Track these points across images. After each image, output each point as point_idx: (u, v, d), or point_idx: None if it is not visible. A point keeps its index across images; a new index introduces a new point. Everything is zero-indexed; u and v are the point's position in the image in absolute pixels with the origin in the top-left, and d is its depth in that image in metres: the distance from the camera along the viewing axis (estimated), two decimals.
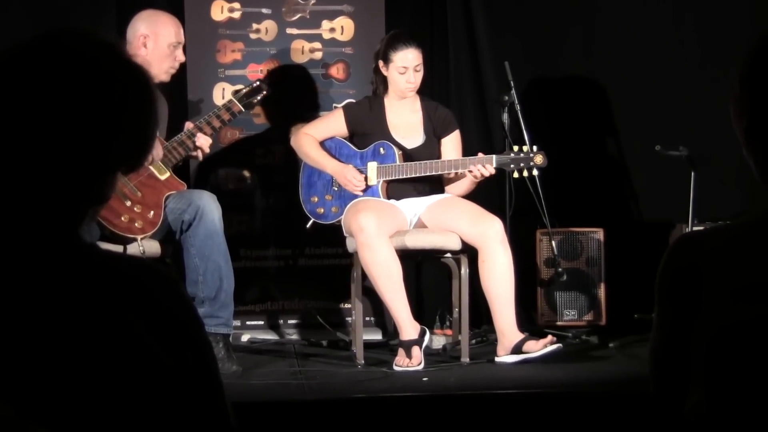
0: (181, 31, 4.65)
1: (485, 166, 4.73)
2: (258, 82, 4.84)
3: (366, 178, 4.88)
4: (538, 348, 4.52)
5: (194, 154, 4.67)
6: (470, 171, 4.73)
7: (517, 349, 4.57)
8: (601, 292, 5.33)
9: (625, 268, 5.34)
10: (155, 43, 4.55)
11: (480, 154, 4.78)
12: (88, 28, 1.44)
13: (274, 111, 5.42)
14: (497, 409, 3.87)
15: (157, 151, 4.48)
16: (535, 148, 4.79)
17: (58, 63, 1.39)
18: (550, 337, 4.56)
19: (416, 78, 4.86)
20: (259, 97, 4.81)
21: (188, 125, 4.69)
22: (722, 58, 5.38)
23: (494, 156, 4.79)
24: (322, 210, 4.99)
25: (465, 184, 4.86)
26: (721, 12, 5.59)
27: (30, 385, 1.31)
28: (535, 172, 4.80)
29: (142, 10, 4.70)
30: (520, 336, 4.60)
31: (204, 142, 4.63)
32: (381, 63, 4.89)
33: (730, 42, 5.40)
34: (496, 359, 4.64)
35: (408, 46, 4.83)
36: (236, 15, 5.45)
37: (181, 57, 4.62)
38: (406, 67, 4.83)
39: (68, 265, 1.39)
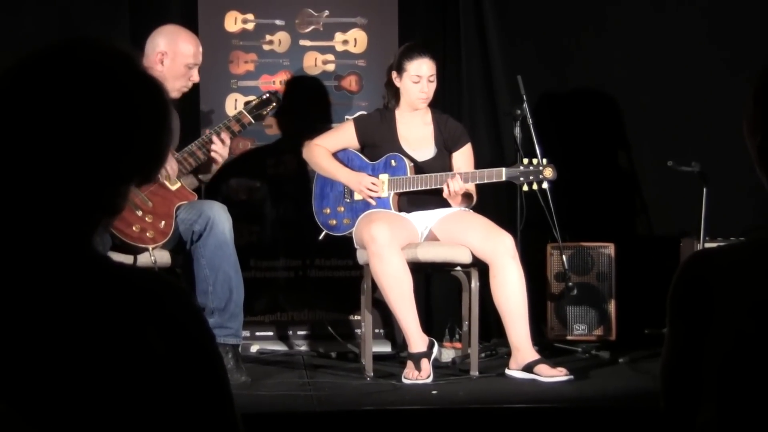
0: (200, 51, 4.63)
1: (453, 179, 4.71)
2: (268, 94, 4.85)
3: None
4: (549, 375, 4.50)
5: (215, 164, 4.67)
6: (447, 185, 4.72)
7: (528, 368, 4.56)
8: (612, 307, 5.32)
9: (636, 283, 5.33)
10: (172, 62, 4.55)
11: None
12: (103, 38, 1.44)
13: (286, 122, 5.43)
14: (506, 424, 3.86)
15: (172, 166, 4.49)
16: (544, 160, 4.79)
17: (72, 73, 1.39)
18: (564, 370, 4.52)
19: (429, 89, 4.87)
20: (269, 109, 4.82)
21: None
22: (736, 73, 5.37)
23: (504, 169, 4.79)
24: (335, 222, 4.99)
25: (458, 199, 4.83)
26: (736, 26, 5.59)
27: (40, 394, 1.31)
28: (545, 185, 4.79)
29: (155, 21, 4.70)
30: (535, 356, 4.58)
31: (219, 149, 4.62)
32: (394, 74, 4.89)
33: (745, 57, 5.39)
34: (506, 371, 4.64)
35: (423, 56, 4.84)
36: (250, 26, 5.46)
37: (195, 78, 4.62)
38: (420, 76, 4.83)
39: (80, 276, 1.39)
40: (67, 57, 1.41)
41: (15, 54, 1.43)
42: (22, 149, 1.38)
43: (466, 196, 4.86)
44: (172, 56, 4.55)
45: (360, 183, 4.88)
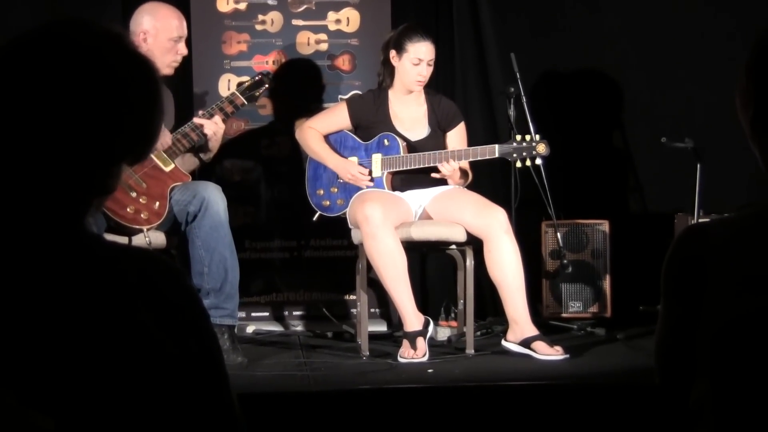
0: (183, 24, 4.62)
1: (448, 161, 4.72)
2: (260, 75, 4.84)
3: (370, 171, 4.88)
4: (545, 353, 4.50)
5: (209, 151, 4.67)
6: (440, 168, 4.73)
7: (525, 344, 4.56)
8: (606, 284, 5.33)
9: (631, 259, 5.34)
10: (155, 39, 4.53)
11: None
12: (92, 19, 1.43)
13: (279, 102, 5.42)
14: (502, 401, 3.87)
15: (165, 139, 4.48)
16: (537, 136, 4.78)
17: (62, 54, 1.39)
18: (560, 349, 4.52)
19: (427, 72, 4.86)
20: (261, 90, 4.81)
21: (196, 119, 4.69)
22: (729, 49, 5.36)
23: (497, 146, 4.79)
24: (328, 203, 4.99)
25: (457, 174, 4.83)
26: (731, 3, 5.57)
27: (35, 375, 1.31)
28: (538, 161, 4.78)
29: (146, 2, 4.69)
30: (534, 332, 4.58)
31: (213, 128, 4.61)
32: (393, 52, 4.87)
33: (737, 33, 5.39)
34: (503, 342, 4.64)
35: (425, 39, 4.83)
36: (242, 6, 5.44)
37: (183, 50, 4.60)
38: (420, 59, 4.82)
39: (73, 256, 1.39)
40: (56, 38, 1.40)
41: (5, 37, 1.42)
42: (12, 130, 1.38)
43: (463, 173, 4.85)
44: (155, 33, 4.54)
45: (348, 171, 4.87)
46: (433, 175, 4.78)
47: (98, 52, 1.41)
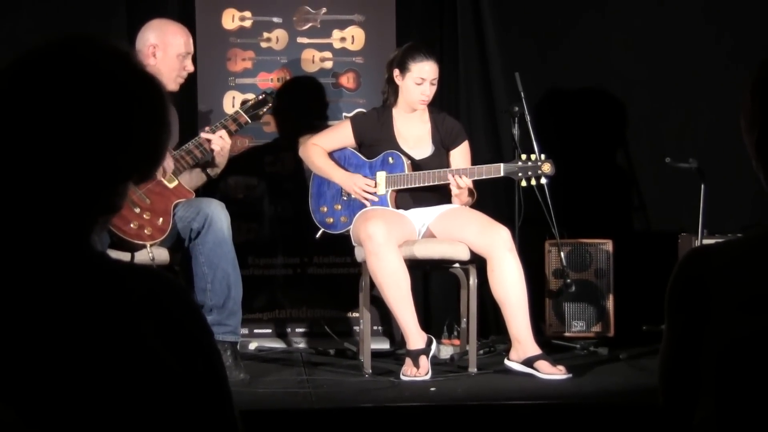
0: (191, 40, 4.66)
1: (461, 176, 4.72)
2: (264, 94, 4.85)
3: (376, 184, 4.89)
4: (548, 372, 4.49)
5: (215, 167, 4.68)
6: (456, 182, 4.73)
7: (528, 363, 4.55)
8: (610, 303, 5.32)
9: (634, 279, 5.33)
10: (164, 53, 4.56)
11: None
12: (100, 36, 1.44)
13: (283, 120, 5.43)
14: (504, 420, 3.86)
15: (168, 163, 4.49)
16: (543, 156, 4.79)
17: (71, 71, 1.39)
18: (563, 369, 4.51)
19: (431, 91, 4.87)
20: (265, 109, 4.82)
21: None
22: (735, 69, 5.38)
23: (502, 164, 4.79)
24: (332, 220, 4.99)
25: (465, 193, 4.84)
26: (735, 22, 5.59)
27: (38, 393, 1.31)
28: (543, 180, 4.79)
29: (153, 17, 4.71)
30: (537, 351, 4.57)
31: (219, 143, 4.62)
32: (396, 71, 4.89)
33: (743, 54, 5.39)
34: (506, 361, 4.63)
35: (428, 59, 4.84)
36: (247, 24, 5.46)
37: (189, 67, 4.63)
38: (423, 78, 4.83)
39: (78, 274, 1.39)
40: (64, 55, 1.40)
41: (12, 51, 1.42)
42: (20, 147, 1.38)
43: (469, 192, 4.86)
44: (164, 48, 4.56)
45: (355, 184, 4.88)
46: (452, 178, 4.75)
47: (106, 70, 1.41)
